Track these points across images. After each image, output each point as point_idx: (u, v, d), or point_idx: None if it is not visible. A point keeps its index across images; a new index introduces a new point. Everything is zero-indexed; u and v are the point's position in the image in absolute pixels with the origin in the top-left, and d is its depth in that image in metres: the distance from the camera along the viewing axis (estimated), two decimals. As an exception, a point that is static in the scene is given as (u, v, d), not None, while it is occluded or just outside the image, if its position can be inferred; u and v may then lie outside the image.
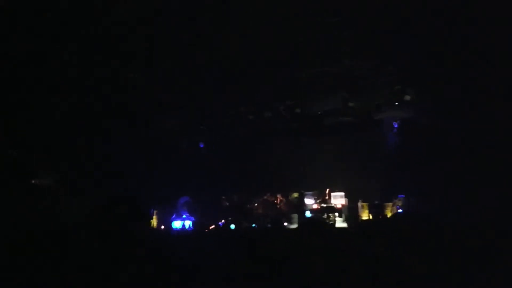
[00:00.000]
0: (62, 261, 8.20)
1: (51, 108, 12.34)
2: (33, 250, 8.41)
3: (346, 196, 15.88)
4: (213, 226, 14.61)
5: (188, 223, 15.39)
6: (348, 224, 14.88)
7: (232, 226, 14.81)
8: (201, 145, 17.94)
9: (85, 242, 9.23)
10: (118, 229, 10.14)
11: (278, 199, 16.14)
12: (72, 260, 8.34)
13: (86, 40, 10.77)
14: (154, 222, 14.83)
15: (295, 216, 15.57)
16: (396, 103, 14.83)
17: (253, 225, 15.32)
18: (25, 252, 8.29)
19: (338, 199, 15.82)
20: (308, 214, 15.57)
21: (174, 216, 15.65)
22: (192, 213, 15.74)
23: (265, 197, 16.28)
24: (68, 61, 11.27)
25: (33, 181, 12.64)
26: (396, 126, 15.65)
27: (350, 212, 15.45)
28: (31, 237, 9.01)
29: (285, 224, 15.13)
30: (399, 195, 15.02)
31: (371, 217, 14.81)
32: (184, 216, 15.65)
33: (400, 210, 14.79)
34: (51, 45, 10.53)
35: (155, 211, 15.02)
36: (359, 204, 15.34)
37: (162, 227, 15.10)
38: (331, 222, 15.06)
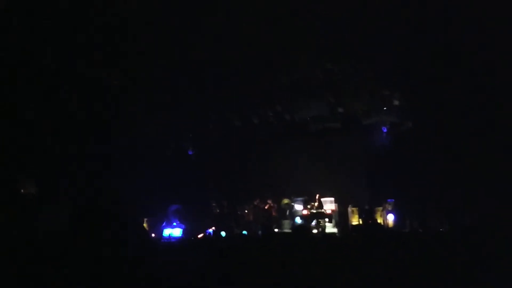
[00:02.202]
0: (45, 270, 8.07)
1: (30, 112, 12.04)
2: (15, 259, 8.26)
3: (336, 202, 15.88)
4: (201, 235, 14.53)
5: (178, 231, 15.31)
6: (338, 230, 14.89)
7: (223, 233, 14.73)
8: (190, 152, 17.85)
9: (68, 252, 9.10)
10: (105, 239, 10.02)
11: (269, 206, 16.07)
12: (55, 269, 8.21)
13: (65, 39, 10.58)
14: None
15: (286, 223, 15.56)
16: (385, 108, 14.93)
17: (244, 232, 15.26)
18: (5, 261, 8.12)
19: (328, 205, 15.77)
20: (298, 220, 15.53)
21: (164, 224, 15.56)
22: (182, 221, 15.66)
23: (256, 204, 16.23)
24: (44, 61, 11.02)
25: (13, 188, 12.39)
26: (385, 130, 15.72)
27: (340, 218, 15.47)
28: (14, 245, 8.84)
29: (276, 230, 15.10)
30: (389, 199, 15.09)
31: (361, 222, 14.83)
32: (174, 224, 15.57)
33: (390, 214, 14.85)
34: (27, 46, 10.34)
35: (145, 219, 14.91)
36: (349, 209, 15.36)
37: (153, 235, 14.99)
38: (321, 228, 15.07)
